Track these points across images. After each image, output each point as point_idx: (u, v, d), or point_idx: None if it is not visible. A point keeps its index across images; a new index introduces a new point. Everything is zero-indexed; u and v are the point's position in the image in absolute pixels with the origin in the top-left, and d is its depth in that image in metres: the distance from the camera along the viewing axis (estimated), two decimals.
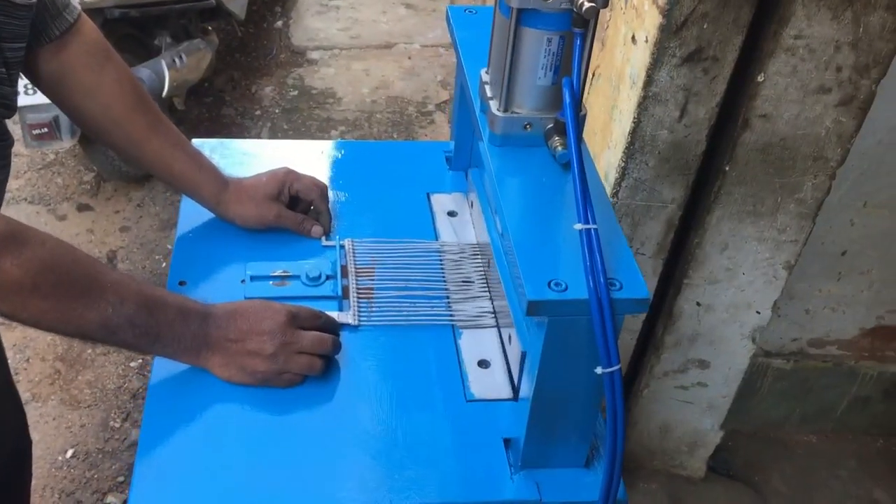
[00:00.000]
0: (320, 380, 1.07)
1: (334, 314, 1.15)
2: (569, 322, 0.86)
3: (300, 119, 3.28)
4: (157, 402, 1.05)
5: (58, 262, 0.92)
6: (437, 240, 1.30)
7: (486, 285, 1.22)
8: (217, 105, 3.28)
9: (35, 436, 2.14)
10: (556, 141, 1.00)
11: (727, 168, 1.74)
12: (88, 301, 0.94)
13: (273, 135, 3.19)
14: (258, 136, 3.18)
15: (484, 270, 1.24)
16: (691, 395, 2.09)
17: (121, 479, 2.07)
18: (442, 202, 1.37)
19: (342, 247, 1.26)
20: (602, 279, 0.84)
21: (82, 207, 2.85)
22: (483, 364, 1.12)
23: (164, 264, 2.67)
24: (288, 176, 1.27)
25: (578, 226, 0.85)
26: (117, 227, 2.79)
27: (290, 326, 1.05)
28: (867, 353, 2.51)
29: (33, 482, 2.05)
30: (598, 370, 0.86)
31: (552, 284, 0.86)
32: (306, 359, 1.05)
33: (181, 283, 1.19)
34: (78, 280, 0.93)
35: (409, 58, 3.64)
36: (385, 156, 1.48)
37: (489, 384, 1.10)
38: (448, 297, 1.20)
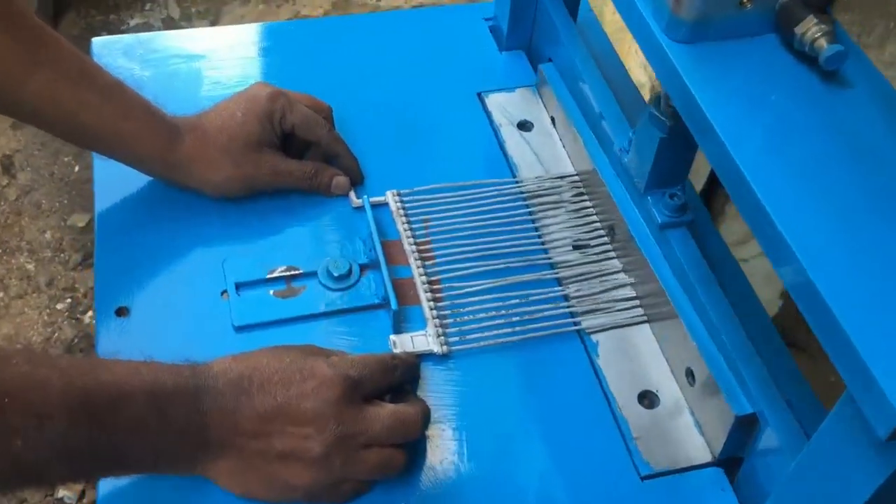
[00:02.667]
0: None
1: (405, 341, 0.69)
2: None
3: None
4: None
5: None
6: (514, 176, 0.83)
7: (608, 246, 0.76)
8: None
9: None
10: (813, 27, 0.52)
11: None
12: None
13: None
14: (164, 4, 2.52)
15: (599, 219, 0.78)
16: (749, 268, 1.78)
17: None
18: (503, 106, 0.88)
19: (380, 206, 0.78)
20: None
21: None
22: (646, 399, 0.69)
23: (76, 168, 2.11)
24: (275, 102, 0.75)
25: None
26: (8, 125, 2.19)
27: (350, 404, 0.59)
28: None
29: None
30: None
31: None
32: (377, 455, 0.60)
33: (120, 313, 0.70)
34: None
35: None
36: (395, 35, 0.96)
37: (668, 439, 0.67)
38: (558, 280, 0.75)
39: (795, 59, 0.54)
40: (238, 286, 0.72)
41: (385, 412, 0.61)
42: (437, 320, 0.71)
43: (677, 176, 0.70)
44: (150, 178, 0.77)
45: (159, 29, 2.09)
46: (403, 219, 0.78)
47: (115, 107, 0.72)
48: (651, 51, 0.58)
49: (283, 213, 0.78)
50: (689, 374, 0.66)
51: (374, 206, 0.78)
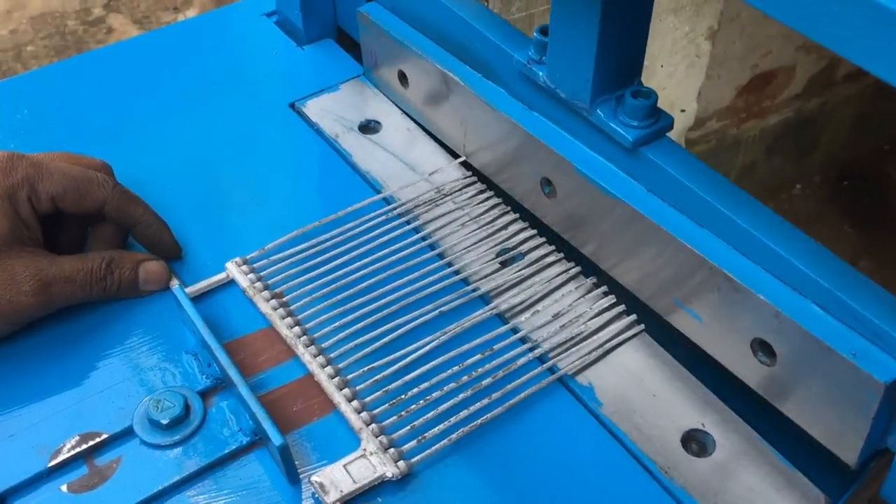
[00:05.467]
0: None
1: (336, 477, 0.42)
2: None
3: None
4: None
5: None
6: (378, 191, 0.57)
7: (541, 241, 0.53)
8: None
9: None
10: None
11: None
12: None
13: None
14: None
15: (509, 218, 0.55)
16: None
17: None
18: (331, 111, 0.63)
19: (220, 289, 0.51)
20: None
21: None
22: (694, 442, 0.45)
23: None
24: (12, 173, 0.47)
25: None
26: None
27: None
28: (745, 113, 2.15)
29: None
30: None
31: None
32: None
33: None
34: None
35: None
36: (162, 61, 0.68)
37: (762, 481, 0.43)
38: (501, 316, 0.50)
39: None
40: (3, 499, 0.42)
41: None
42: (373, 426, 0.44)
43: (635, 60, 0.47)
44: None
45: None
46: (265, 294, 0.50)
47: None
48: None
49: (50, 345, 0.48)
50: (760, 348, 0.42)
51: (208, 292, 0.51)
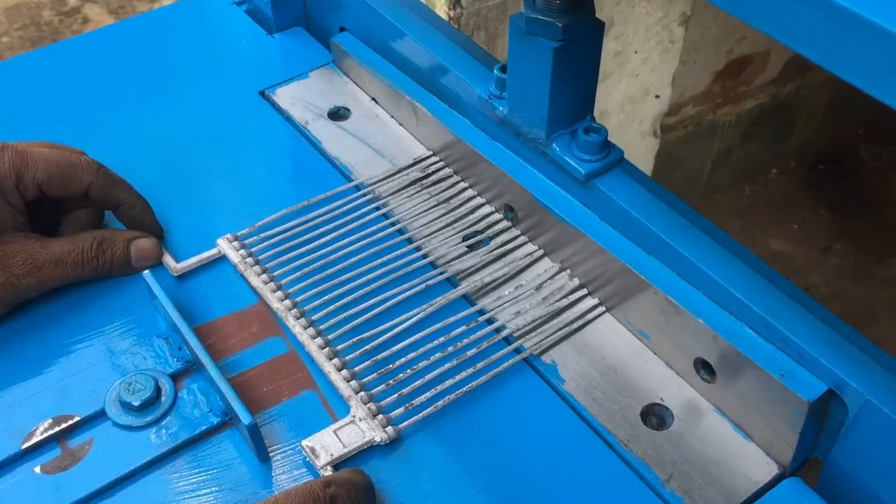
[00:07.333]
0: None
1: (327, 442, 0.43)
2: None
3: None
4: None
5: None
6: (350, 179, 0.58)
7: (511, 226, 0.54)
8: None
9: None
10: None
11: None
12: None
13: None
14: None
15: (487, 198, 0.56)
16: None
17: None
18: (300, 98, 0.64)
19: (210, 265, 0.52)
20: None
21: None
22: (653, 416, 0.46)
23: None
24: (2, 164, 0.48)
25: None
26: None
27: None
28: (721, 98, 2.16)
29: None
30: None
31: None
32: None
33: None
34: None
35: None
36: (130, 51, 0.68)
37: (709, 460, 0.44)
38: (468, 298, 0.51)
39: None
40: None
41: None
42: (362, 394, 0.46)
43: (587, 99, 0.49)
44: None
45: None
46: (256, 269, 0.52)
47: None
48: None
49: (22, 330, 0.49)
50: (702, 366, 0.44)
51: (196, 268, 0.52)
